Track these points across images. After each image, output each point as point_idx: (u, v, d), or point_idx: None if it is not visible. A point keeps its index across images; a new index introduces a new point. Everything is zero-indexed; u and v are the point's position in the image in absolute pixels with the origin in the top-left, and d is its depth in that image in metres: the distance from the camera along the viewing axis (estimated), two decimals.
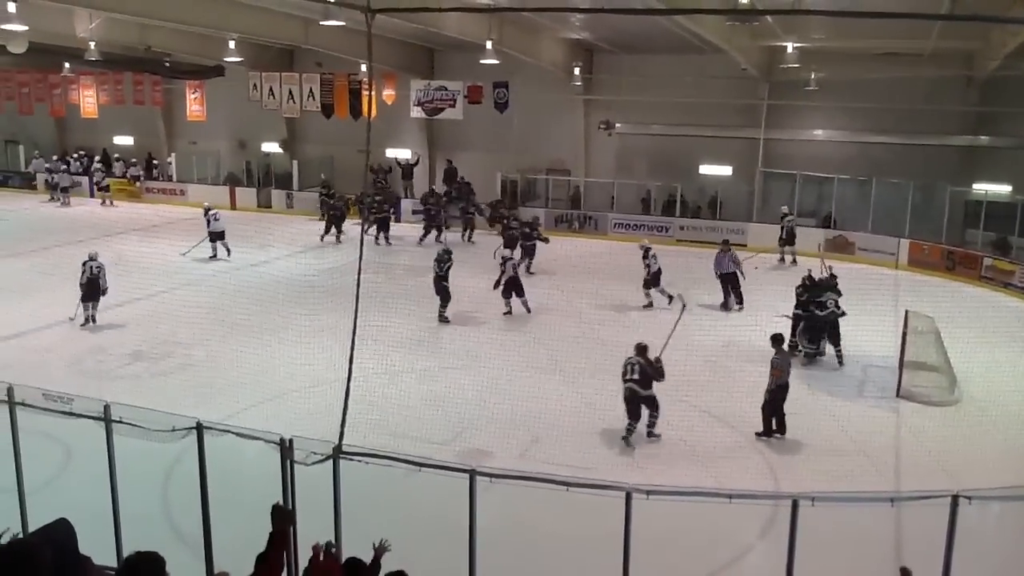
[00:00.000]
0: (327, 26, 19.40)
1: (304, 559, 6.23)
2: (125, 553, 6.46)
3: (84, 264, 15.86)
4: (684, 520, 7.93)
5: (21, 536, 5.12)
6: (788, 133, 25.67)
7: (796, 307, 14.82)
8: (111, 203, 30.31)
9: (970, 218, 22.83)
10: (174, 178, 31.79)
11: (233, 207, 29.48)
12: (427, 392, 12.41)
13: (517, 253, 19.54)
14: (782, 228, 22.58)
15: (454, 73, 26.79)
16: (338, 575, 5.37)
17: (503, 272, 17.06)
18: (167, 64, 28.03)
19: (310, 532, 5.90)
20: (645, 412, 11.17)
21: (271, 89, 26.79)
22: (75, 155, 33.59)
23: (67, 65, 28.88)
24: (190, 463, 6.95)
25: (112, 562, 6.18)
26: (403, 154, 28.74)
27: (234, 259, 21.18)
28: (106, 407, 6.97)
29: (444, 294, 16.51)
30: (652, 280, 17.94)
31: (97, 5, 19.54)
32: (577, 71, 26.57)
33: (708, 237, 23.62)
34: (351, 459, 6.51)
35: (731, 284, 17.85)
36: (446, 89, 25.61)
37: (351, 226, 23.87)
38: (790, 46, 21.43)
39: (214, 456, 6.79)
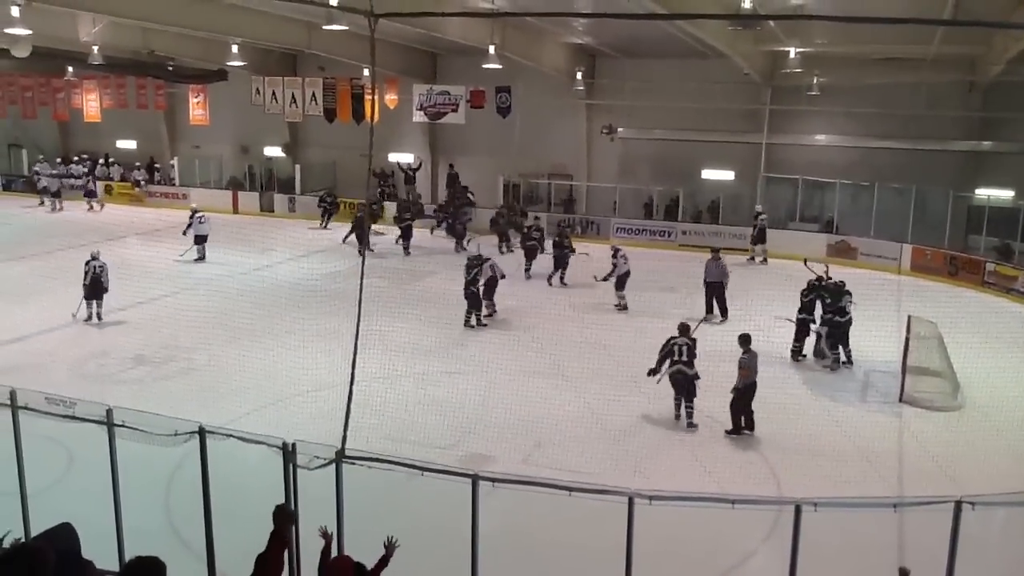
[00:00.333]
0: (330, 30, 19.40)
1: (305, 560, 6.25)
2: (127, 557, 6.46)
3: (87, 264, 16.25)
4: (687, 526, 7.93)
5: (23, 539, 5.14)
6: (790, 138, 25.68)
7: (800, 311, 14.82)
8: (98, 207, 29.75)
9: (973, 223, 22.83)
10: (177, 182, 31.83)
11: (235, 211, 29.57)
12: (429, 397, 12.40)
13: (541, 261, 19.22)
14: (754, 227, 23.25)
15: (456, 77, 26.85)
16: (351, 571, 5.44)
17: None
18: (170, 68, 28.15)
19: (313, 536, 5.92)
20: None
21: (274, 93, 26.90)
22: (75, 159, 33.56)
23: (70, 69, 29.01)
24: (192, 468, 6.95)
25: (114, 566, 6.18)
26: (406, 158, 28.79)
27: (237, 263, 21.17)
28: (108, 411, 6.97)
29: (470, 300, 16.50)
30: (618, 283, 17.96)
31: (101, 9, 19.58)
32: (579, 75, 26.64)
33: (711, 242, 23.57)
34: (354, 463, 6.51)
35: (716, 294, 17.05)
36: (448, 93, 25.69)
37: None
38: (793, 51, 21.42)
39: (216, 460, 6.78)
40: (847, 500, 7.08)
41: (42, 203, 30.38)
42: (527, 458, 10.53)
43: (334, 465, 6.51)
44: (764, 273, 21.35)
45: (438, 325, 16.37)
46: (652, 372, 12.03)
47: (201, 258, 21.72)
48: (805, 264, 15.85)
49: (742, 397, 11.51)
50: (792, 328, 14.84)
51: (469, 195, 26.58)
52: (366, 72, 26.12)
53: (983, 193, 22.91)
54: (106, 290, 16.27)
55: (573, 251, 20.09)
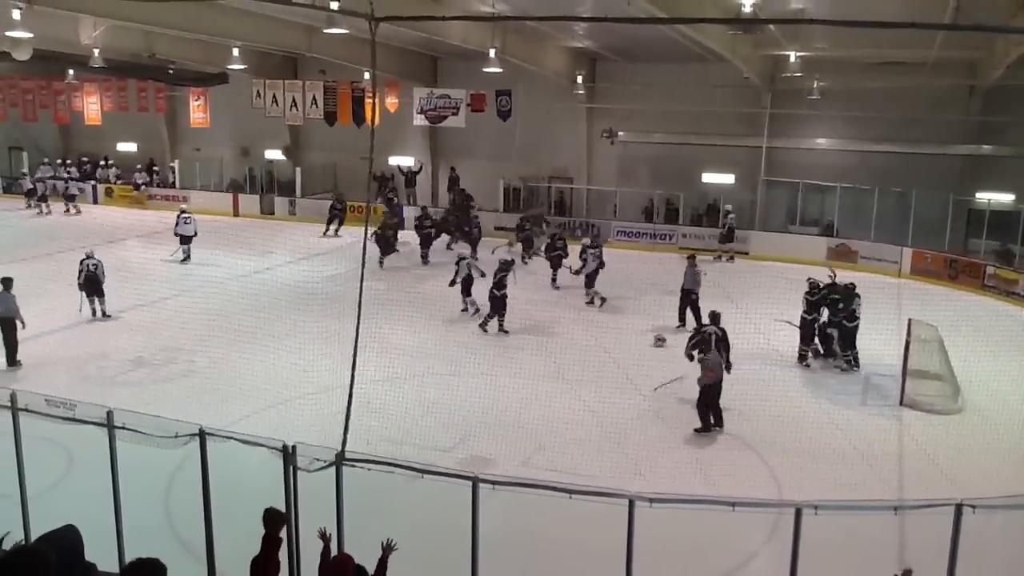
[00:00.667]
0: (330, 34, 19.45)
1: (305, 561, 6.25)
2: (127, 559, 6.45)
3: (81, 263, 16.58)
4: (687, 528, 7.92)
5: (23, 541, 5.13)
6: (791, 142, 25.69)
7: (804, 312, 14.77)
8: (74, 211, 29.40)
9: (973, 227, 22.85)
10: (177, 185, 31.83)
11: (236, 214, 29.57)
12: (429, 399, 12.40)
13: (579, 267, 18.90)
14: (723, 225, 23.69)
15: (457, 81, 26.86)
16: (351, 571, 5.45)
17: (457, 271, 17.36)
18: (171, 71, 28.14)
19: (313, 538, 5.92)
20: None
21: (274, 96, 26.91)
22: (59, 162, 33.36)
23: (71, 72, 28.99)
24: (193, 470, 6.95)
25: (114, 568, 6.17)
26: (406, 162, 28.76)
27: (237, 265, 21.15)
28: (109, 413, 6.97)
29: (492, 303, 16.36)
30: (587, 280, 17.98)
31: (101, 12, 19.59)
32: (580, 79, 26.67)
33: (711, 245, 23.74)
34: (354, 466, 6.50)
35: (689, 302, 16.51)
36: (449, 97, 25.69)
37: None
38: (793, 55, 21.47)
39: (217, 463, 6.78)
40: (848, 503, 7.09)
41: (28, 206, 30.12)
42: (527, 460, 10.52)
43: (334, 467, 6.51)
44: (763, 275, 21.10)
45: (439, 327, 16.38)
46: (690, 356, 12.47)
47: (187, 258, 21.65)
48: (831, 273, 15.43)
49: (707, 396, 11.74)
50: (791, 329, 14.82)
51: (468, 198, 26.46)
52: (367, 75, 26.15)
53: (983, 197, 22.92)
54: (103, 283, 16.47)
55: (566, 255, 20.06)
